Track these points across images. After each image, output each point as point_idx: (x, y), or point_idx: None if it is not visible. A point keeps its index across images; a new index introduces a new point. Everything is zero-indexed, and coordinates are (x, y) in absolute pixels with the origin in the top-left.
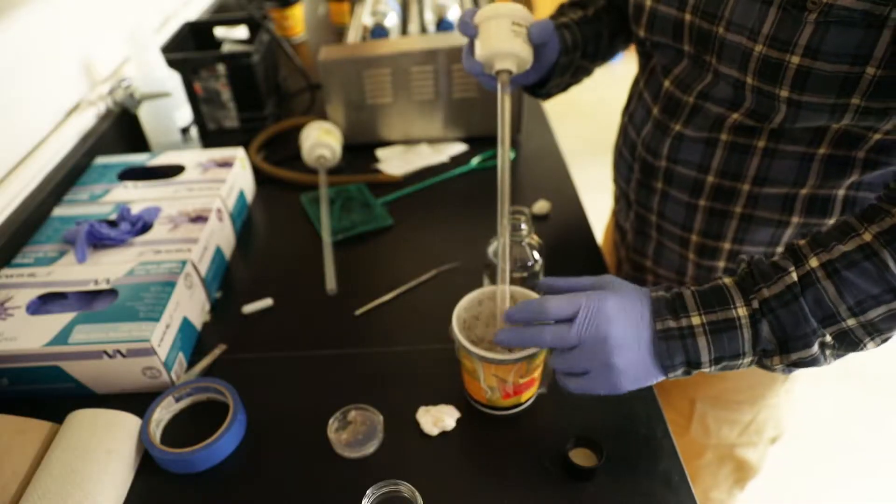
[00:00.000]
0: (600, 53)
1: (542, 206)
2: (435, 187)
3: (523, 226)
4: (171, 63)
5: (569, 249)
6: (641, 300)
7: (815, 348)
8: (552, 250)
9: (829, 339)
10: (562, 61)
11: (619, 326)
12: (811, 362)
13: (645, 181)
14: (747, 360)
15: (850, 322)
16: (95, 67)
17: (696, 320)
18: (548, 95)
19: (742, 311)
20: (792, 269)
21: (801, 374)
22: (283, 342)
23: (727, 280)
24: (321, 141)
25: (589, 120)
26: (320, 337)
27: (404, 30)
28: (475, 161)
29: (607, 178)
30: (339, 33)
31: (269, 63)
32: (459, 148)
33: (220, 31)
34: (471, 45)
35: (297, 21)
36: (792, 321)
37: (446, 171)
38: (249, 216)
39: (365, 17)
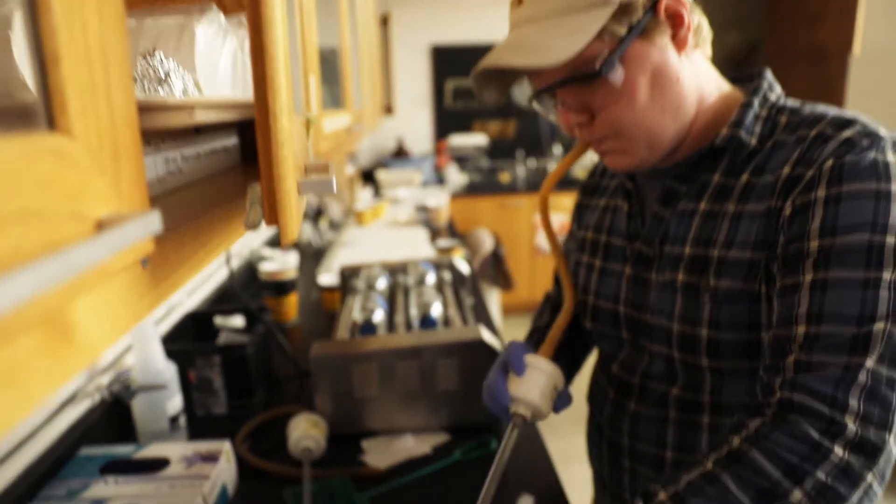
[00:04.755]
0: (577, 368)
1: (526, 501)
2: (420, 481)
3: None
4: (171, 354)
5: None
6: None
7: None
8: None
9: None
10: None
11: None
12: None
13: (614, 461)
14: None
15: None
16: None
17: None
18: None
19: None
20: None
21: None
22: None
23: None
24: (308, 433)
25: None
26: None
27: (391, 323)
28: (458, 453)
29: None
30: (329, 318)
31: (263, 352)
32: (442, 438)
33: (218, 319)
34: (504, 372)
35: (291, 307)
36: None
37: (430, 463)
38: None
39: (355, 313)
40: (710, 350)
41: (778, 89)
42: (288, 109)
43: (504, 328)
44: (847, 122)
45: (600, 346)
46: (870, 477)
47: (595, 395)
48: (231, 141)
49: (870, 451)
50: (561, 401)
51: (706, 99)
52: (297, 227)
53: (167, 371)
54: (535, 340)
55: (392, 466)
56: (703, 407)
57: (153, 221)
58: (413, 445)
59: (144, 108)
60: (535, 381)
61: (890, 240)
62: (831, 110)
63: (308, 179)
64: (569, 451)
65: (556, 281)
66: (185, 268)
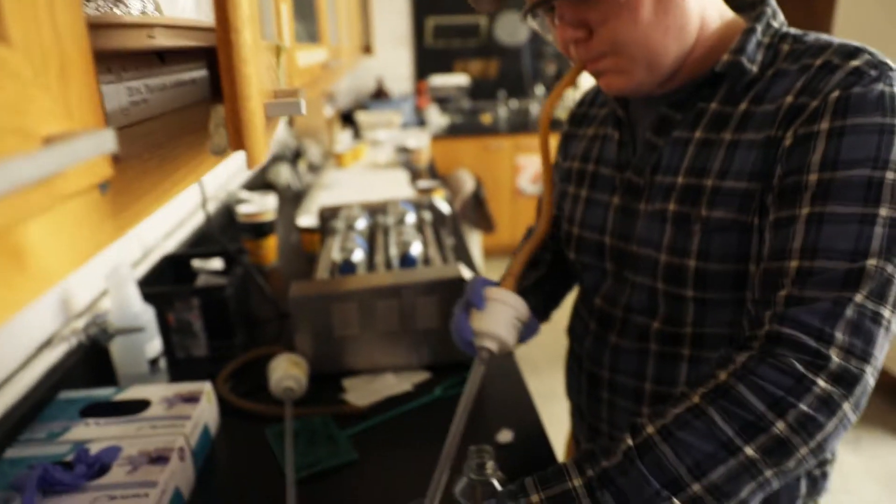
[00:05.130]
0: (556, 305)
1: (505, 436)
2: (400, 417)
3: (488, 464)
4: (148, 297)
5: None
6: None
7: None
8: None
9: None
10: None
11: None
12: None
13: (593, 392)
14: None
15: (696, 487)
16: (72, 301)
17: (534, 498)
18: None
19: (577, 482)
20: (629, 438)
21: None
22: None
23: (567, 461)
24: (289, 373)
25: (546, 329)
26: None
27: (371, 263)
28: (439, 389)
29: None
30: (309, 260)
31: (242, 294)
32: (423, 376)
33: (196, 262)
34: (467, 309)
35: (271, 250)
36: (633, 487)
37: (411, 400)
38: (213, 451)
39: (334, 253)
40: (696, 281)
41: (781, 17)
42: (251, 24)
43: (485, 270)
44: (855, 51)
45: (583, 279)
46: (846, 405)
47: (576, 328)
48: (200, 73)
49: (849, 382)
50: (527, 331)
51: (708, 24)
52: (265, 150)
53: (145, 314)
54: None
55: (373, 404)
56: (683, 340)
57: (106, 140)
58: (394, 383)
59: (96, 26)
60: (496, 313)
61: (889, 175)
62: (836, 39)
63: (275, 101)
64: (549, 388)
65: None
66: (150, 197)
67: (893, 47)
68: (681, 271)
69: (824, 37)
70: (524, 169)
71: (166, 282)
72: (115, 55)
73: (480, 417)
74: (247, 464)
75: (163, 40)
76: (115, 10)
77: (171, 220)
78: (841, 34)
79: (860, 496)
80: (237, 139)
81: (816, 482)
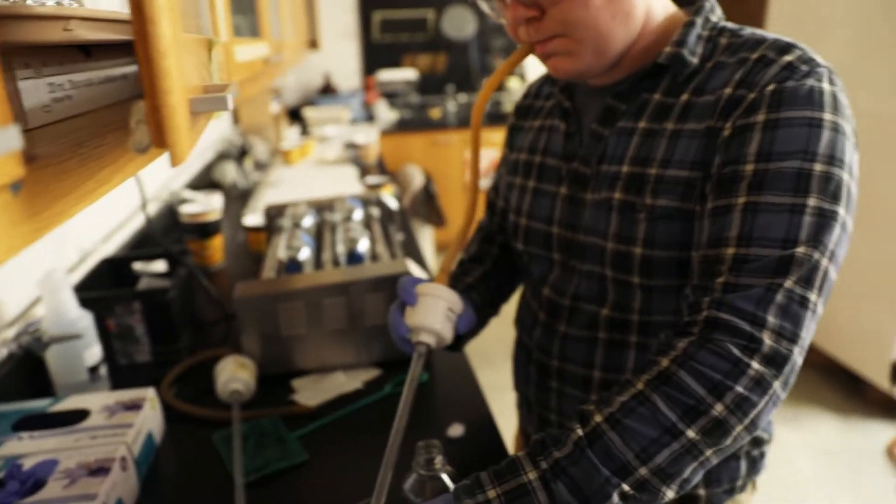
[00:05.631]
0: (503, 299)
1: (456, 430)
2: (351, 416)
3: (437, 458)
4: (86, 302)
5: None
6: (449, 500)
7: (616, 500)
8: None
9: (628, 489)
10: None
11: None
12: None
13: (542, 382)
14: None
15: (643, 471)
16: (2, 309)
17: (491, 494)
18: (460, 349)
19: (532, 475)
20: (578, 427)
21: None
22: None
23: (520, 453)
24: (236, 376)
25: (501, 321)
26: None
27: (318, 261)
28: (389, 386)
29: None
30: (256, 260)
31: (186, 296)
32: (374, 373)
33: (138, 265)
34: (401, 307)
35: (216, 250)
36: (584, 476)
37: (361, 398)
38: (157, 459)
39: (280, 252)
40: (642, 268)
41: (719, 11)
42: (169, 15)
43: (437, 264)
44: (788, 46)
45: (531, 269)
46: (776, 384)
47: (524, 319)
48: (132, 68)
49: (779, 363)
50: (463, 322)
51: (653, 15)
52: (189, 148)
53: (82, 320)
54: (460, 272)
55: (323, 403)
56: (631, 327)
57: (10, 138)
58: (344, 382)
59: (4, 17)
60: (427, 307)
61: (817, 167)
62: (770, 35)
63: (200, 96)
64: (506, 380)
65: (490, 208)
66: (71, 198)
67: (821, 44)
68: (627, 259)
69: (759, 32)
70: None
71: (105, 286)
72: (31, 49)
73: (431, 412)
74: (194, 470)
75: (83, 33)
76: (28, 0)
77: (111, 222)
78: (773, 30)
79: (799, 470)
80: (159, 136)
81: (755, 462)
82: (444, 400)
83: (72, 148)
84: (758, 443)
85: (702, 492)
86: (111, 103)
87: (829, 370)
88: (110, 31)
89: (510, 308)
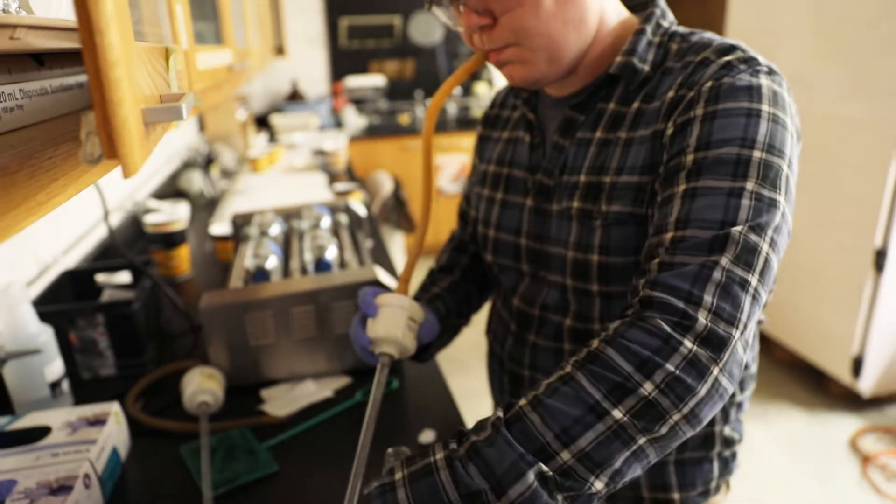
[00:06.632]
0: (473, 308)
1: (427, 436)
2: (322, 425)
3: None
4: (46, 316)
5: None
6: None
7: (532, 479)
8: None
9: (549, 472)
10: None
11: None
12: (533, 498)
13: (515, 391)
14: None
15: (565, 455)
16: None
17: (398, 476)
18: (429, 359)
19: (438, 455)
20: (500, 413)
21: None
22: None
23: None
24: (203, 387)
25: (474, 328)
26: None
27: (286, 269)
28: (359, 394)
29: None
30: (225, 269)
31: (151, 308)
32: (344, 381)
33: (101, 277)
34: (363, 319)
35: (183, 260)
36: (496, 455)
37: (332, 406)
38: (123, 475)
39: (247, 260)
40: (600, 275)
41: (670, 16)
42: (118, 24)
43: None
44: (729, 48)
45: (501, 280)
46: (716, 370)
47: (496, 329)
48: (86, 76)
49: (716, 345)
50: (426, 331)
51: (606, 22)
52: (143, 160)
53: (42, 335)
54: (428, 282)
55: (293, 413)
56: (593, 336)
57: None
58: (314, 390)
59: None
60: (388, 317)
61: (756, 154)
62: (717, 38)
63: (154, 106)
64: (478, 386)
65: (462, 218)
66: (20, 211)
67: (779, 50)
68: (585, 266)
69: (707, 35)
70: (444, 168)
71: (67, 299)
72: None
73: (402, 419)
74: (162, 485)
75: (32, 41)
76: None
77: (72, 234)
78: (732, 34)
79: (769, 465)
80: (110, 148)
81: (727, 463)
82: (415, 406)
83: (21, 160)
84: (729, 443)
85: (676, 496)
86: (64, 113)
87: (794, 366)
88: (61, 39)
89: (483, 315)
